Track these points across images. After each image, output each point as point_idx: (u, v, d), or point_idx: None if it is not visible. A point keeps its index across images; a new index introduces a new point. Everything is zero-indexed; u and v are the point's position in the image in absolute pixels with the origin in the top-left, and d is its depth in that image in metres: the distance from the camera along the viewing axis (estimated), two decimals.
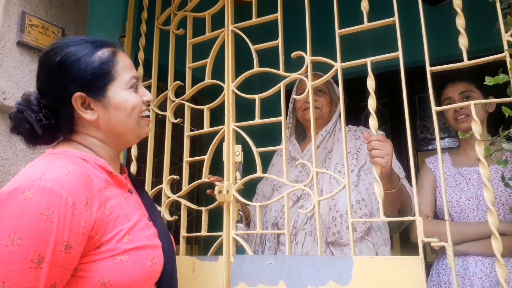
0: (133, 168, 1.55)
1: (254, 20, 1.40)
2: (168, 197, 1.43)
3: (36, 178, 0.73)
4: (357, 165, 1.51)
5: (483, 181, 0.98)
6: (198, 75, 1.53)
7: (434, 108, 1.07)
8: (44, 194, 0.71)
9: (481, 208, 1.48)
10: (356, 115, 2.98)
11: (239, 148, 1.33)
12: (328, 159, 1.56)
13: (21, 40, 1.39)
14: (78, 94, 0.86)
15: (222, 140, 1.36)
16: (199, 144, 2.96)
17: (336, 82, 1.38)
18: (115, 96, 0.89)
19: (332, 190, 1.42)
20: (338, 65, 1.22)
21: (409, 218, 1.10)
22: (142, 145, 1.38)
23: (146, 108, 0.95)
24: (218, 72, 1.47)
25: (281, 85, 1.32)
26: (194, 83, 1.51)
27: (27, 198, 0.70)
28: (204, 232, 1.35)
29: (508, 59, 1.00)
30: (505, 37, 1.01)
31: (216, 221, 1.35)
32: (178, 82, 1.53)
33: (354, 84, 1.95)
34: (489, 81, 0.99)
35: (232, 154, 1.32)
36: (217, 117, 1.46)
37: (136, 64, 1.09)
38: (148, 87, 1.57)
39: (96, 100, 0.87)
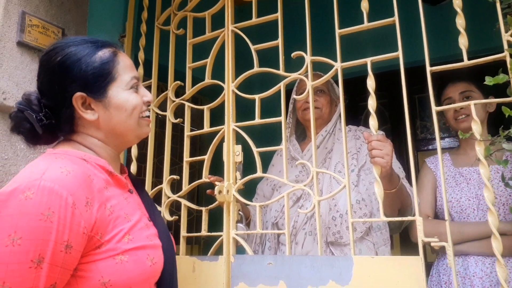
0: (133, 168, 1.56)
1: (254, 20, 1.40)
2: (168, 197, 1.43)
3: (36, 178, 0.73)
4: (357, 165, 1.51)
5: (483, 181, 0.98)
6: (198, 75, 1.53)
7: (434, 108, 1.07)
8: (44, 194, 0.71)
9: (481, 208, 1.48)
10: (356, 115, 2.98)
11: (239, 148, 1.33)
12: (328, 159, 1.56)
13: (21, 40, 1.39)
14: (78, 94, 0.86)
15: (222, 140, 1.36)
16: (199, 144, 2.96)
17: (336, 82, 1.38)
18: (115, 96, 0.89)
19: (332, 190, 1.42)
20: (338, 65, 1.22)
21: (409, 218, 1.10)
22: (142, 145, 1.38)
23: (147, 109, 0.95)
24: (218, 72, 1.47)
25: (281, 85, 1.32)
26: (194, 83, 1.51)
27: (27, 198, 0.70)
28: (204, 232, 1.35)
29: (508, 59, 1.00)
30: (505, 37, 1.01)
31: (216, 221, 1.35)
32: (178, 82, 1.53)
33: (354, 84, 1.95)
34: (489, 81, 0.99)
35: (232, 154, 1.32)
36: (217, 117, 1.46)
37: (136, 64, 1.09)
38: (148, 87, 1.57)
39: (96, 100, 0.87)
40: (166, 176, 1.46)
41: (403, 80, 1.12)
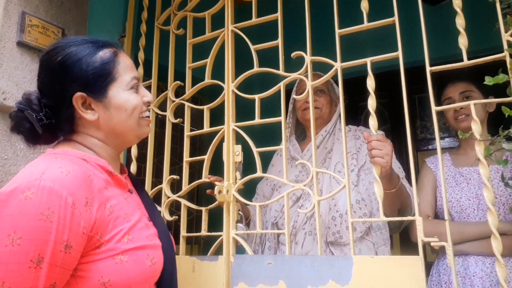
0: (133, 168, 1.56)
1: (254, 20, 1.40)
2: (168, 197, 1.43)
3: (36, 178, 0.73)
4: (357, 165, 1.51)
5: (483, 181, 0.98)
6: (198, 75, 1.53)
7: (434, 108, 1.07)
8: (44, 194, 0.71)
9: (481, 208, 1.48)
10: (356, 115, 2.98)
11: (239, 148, 1.33)
12: (328, 159, 1.56)
13: (21, 40, 1.39)
14: (79, 94, 0.86)
15: (222, 140, 1.36)
16: (199, 144, 2.96)
17: (336, 82, 1.38)
18: (116, 96, 0.89)
19: (332, 190, 1.42)
20: (338, 65, 1.23)
21: (409, 218, 1.10)
22: (142, 145, 1.38)
23: (147, 109, 0.95)
24: (218, 72, 1.47)
25: (281, 85, 1.32)
26: (194, 83, 1.51)
27: (27, 198, 0.70)
28: (204, 232, 1.35)
29: (508, 59, 1.00)
30: (505, 37, 1.01)
31: (216, 221, 1.35)
32: (178, 82, 1.53)
33: (354, 84, 1.95)
34: (489, 81, 0.99)
35: (232, 154, 1.32)
36: (217, 117, 1.46)
37: (136, 64, 1.09)
38: (148, 87, 1.57)
39: (96, 100, 0.87)
40: (166, 176, 1.46)
41: (403, 80, 1.12)
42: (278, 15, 1.36)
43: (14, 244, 0.67)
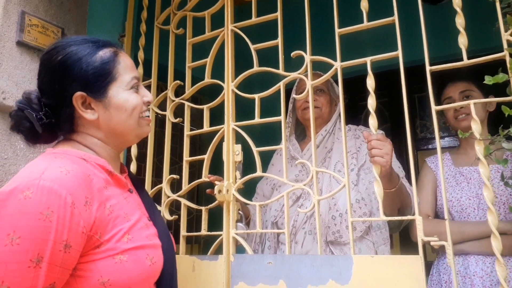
0: (133, 167, 1.56)
1: (254, 19, 1.40)
2: (168, 197, 1.43)
3: (36, 178, 0.73)
4: (357, 164, 1.51)
5: (483, 180, 0.98)
6: (198, 75, 1.53)
7: (434, 107, 1.07)
8: (44, 194, 0.71)
9: (482, 207, 1.48)
10: (356, 114, 2.98)
11: (239, 147, 1.33)
12: (328, 159, 1.56)
13: (21, 40, 1.39)
14: (79, 93, 0.86)
15: (222, 140, 1.36)
16: (199, 144, 2.96)
17: (336, 82, 1.38)
18: (116, 96, 0.89)
19: (332, 189, 1.42)
20: (337, 65, 1.22)
21: (409, 217, 1.10)
22: (142, 144, 1.38)
23: (147, 109, 0.95)
24: (218, 71, 1.47)
25: (281, 85, 1.32)
26: (194, 82, 1.51)
27: (26, 197, 0.70)
28: (204, 231, 1.35)
29: (507, 58, 0.99)
30: (505, 36, 1.01)
31: (216, 221, 1.35)
32: (178, 81, 1.53)
33: (354, 84, 1.95)
34: (488, 80, 0.99)
35: (232, 154, 1.32)
36: (217, 116, 1.46)
37: (135, 64, 1.09)
38: (148, 87, 1.57)
39: (96, 100, 0.87)
40: (166, 176, 1.46)
41: (403, 80, 1.12)
42: (278, 14, 1.36)
43: (13, 244, 0.67)
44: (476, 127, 1.00)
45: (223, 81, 1.40)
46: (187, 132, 1.47)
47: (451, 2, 1.10)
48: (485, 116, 1.57)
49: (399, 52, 1.14)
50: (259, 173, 1.31)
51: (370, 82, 1.15)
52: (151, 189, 1.49)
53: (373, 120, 1.14)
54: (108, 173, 0.87)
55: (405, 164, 1.47)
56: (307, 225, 1.45)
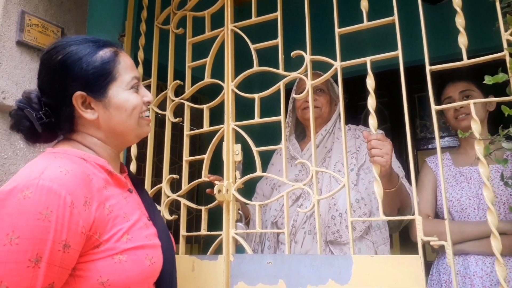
0: (133, 167, 1.56)
1: (254, 19, 1.39)
2: (168, 196, 1.43)
3: (35, 177, 0.73)
4: (356, 164, 1.51)
5: (483, 180, 0.98)
6: (197, 75, 1.53)
7: (434, 107, 1.07)
8: (43, 193, 0.71)
9: (482, 207, 1.48)
10: (355, 114, 2.98)
11: (238, 147, 1.33)
12: (328, 158, 1.56)
13: (21, 39, 1.39)
14: (79, 93, 0.86)
15: (221, 139, 1.36)
16: (199, 144, 2.96)
17: (336, 81, 1.38)
18: (116, 96, 0.89)
19: (332, 189, 1.42)
20: (337, 64, 1.22)
21: (409, 217, 1.10)
22: (142, 144, 1.38)
23: (147, 109, 0.95)
24: (218, 71, 1.47)
25: (281, 84, 1.32)
26: (193, 82, 1.51)
27: (25, 197, 0.70)
28: (203, 231, 1.35)
29: (507, 58, 0.99)
30: (505, 36, 1.01)
31: (215, 220, 1.35)
32: (178, 81, 1.53)
33: (354, 83, 1.95)
34: (488, 80, 0.99)
35: (232, 153, 1.32)
36: (217, 116, 1.46)
37: (135, 64, 1.09)
38: (148, 87, 1.57)
39: (96, 99, 0.87)
40: (166, 175, 1.46)
41: (403, 79, 1.12)
42: (278, 14, 1.36)
43: (12, 244, 0.67)
44: (476, 127, 1.00)
45: (223, 80, 1.40)
46: (187, 132, 1.47)
47: (451, 2, 1.10)
48: (485, 116, 1.57)
49: (399, 52, 1.14)
50: (259, 173, 1.31)
51: (370, 82, 1.15)
52: (151, 189, 1.49)
53: (373, 120, 1.14)
54: (108, 173, 0.87)
55: (405, 164, 1.47)
56: (306, 225, 1.45)
